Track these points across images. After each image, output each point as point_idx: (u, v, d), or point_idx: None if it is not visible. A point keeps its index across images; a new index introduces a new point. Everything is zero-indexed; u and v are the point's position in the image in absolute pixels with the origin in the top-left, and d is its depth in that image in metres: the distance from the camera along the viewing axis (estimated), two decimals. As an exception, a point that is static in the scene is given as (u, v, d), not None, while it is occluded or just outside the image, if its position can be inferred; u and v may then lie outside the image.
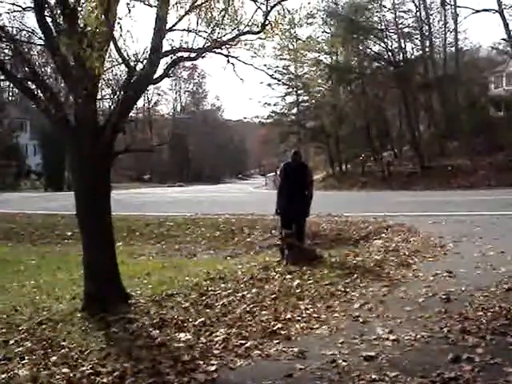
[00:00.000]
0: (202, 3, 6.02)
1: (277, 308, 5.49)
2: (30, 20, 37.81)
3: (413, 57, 36.76)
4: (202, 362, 4.11)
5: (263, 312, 5.37)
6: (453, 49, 37.20)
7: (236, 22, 6.37)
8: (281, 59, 32.95)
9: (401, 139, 38.16)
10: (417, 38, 36.82)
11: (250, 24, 6.46)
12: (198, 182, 65.26)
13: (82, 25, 5.31)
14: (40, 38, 6.10)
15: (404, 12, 36.65)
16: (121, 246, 10.26)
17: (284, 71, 39.03)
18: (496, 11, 31.51)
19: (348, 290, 6.21)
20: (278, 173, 11.04)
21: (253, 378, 3.80)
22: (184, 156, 75.28)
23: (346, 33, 34.08)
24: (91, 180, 5.78)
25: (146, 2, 5.77)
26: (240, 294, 6.13)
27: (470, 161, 29.76)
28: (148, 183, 61.84)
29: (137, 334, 4.90)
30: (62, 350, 4.52)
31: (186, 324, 5.06)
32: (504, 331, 4.38)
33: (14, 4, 6.22)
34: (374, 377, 3.65)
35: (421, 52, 36.97)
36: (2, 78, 6.30)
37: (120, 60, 5.72)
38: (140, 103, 65.22)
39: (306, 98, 41.85)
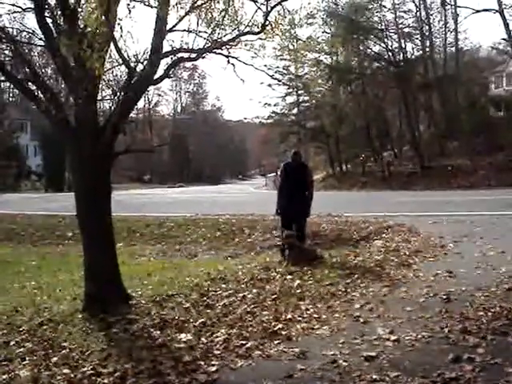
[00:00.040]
0: (203, 4, 6.03)
1: (277, 308, 5.49)
2: (31, 21, 37.77)
3: (413, 57, 36.77)
4: (202, 363, 4.11)
5: (264, 312, 5.37)
6: (453, 49, 37.23)
7: (236, 22, 6.38)
8: (281, 59, 33.01)
9: (401, 139, 38.16)
10: (417, 38, 36.86)
11: (250, 24, 6.47)
12: (198, 183, 65.30)
13: (82, 26, 5.31)
14: (40, 39, 6.10)
15: (404, 12, 36.72)
16: (121, 246, 10.27)
17: (284, 71, 39.03)
18: (496, 11, 31.55)
19: (348, 290, 6.22)
20: (279, 173, 11.04)
21: (254, 378, 3.81)
22: (184, 156, 75.31)
23: (346, 33, 34.09)
24: (91, 181, 5.78)
25: (147, 3, 5.77)
26: (241, 295, 6.13)
27: (470, 161, 29.76)
28: (148, 184, 61.89)
29: (138, 334, 4.90)
30: (63, 351, 4.52)
31: (186, 324, 5.07)
32: (505, 331, 4.38)
33: (14, 5, 6.24)
34: (374, 377, 3.65)
35: (421, 52, 36.98)
36: (3, 78, 6.30)
37: (120, 61, 5.72)
38: (140, 104, 65.31)
39: (306, 98, 41.87)
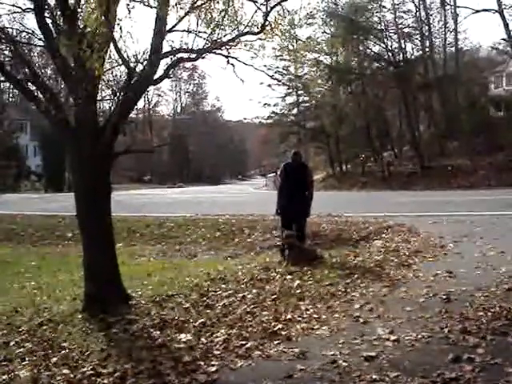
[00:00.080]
0: (202, 4, 6.03)
1: (277, 308, 5.49)
2: (30, 21, 37.84)
3: (413, 57, 36.76)
4: (202, 363, 4.12)
5: (264, 312, 5.37)
6: (453, 49, 37.20)
7: (236, 22, 6.38)
8: (281, 60, 33.01)
9: (401, 139, 38.16)
10: (417, 38, 36.86)
11: (249, 25, 6.47)
12: (198, 183, 65.30)
13: (81, 26, 5.32)
14: (40, 40, 6.11)
15: (404, 12, 36.71)
16: (121, 246, 10.27)
17: (284, 72, 39.03)
18: (496, 11, 31.56)
19: (348, 290, 6.21)
20: (279, 173, 11.03)
21: (253, 378, 3.81)
22: (184, 157, 75.29)
23: (346, 33, 34.10)
24: (91, 181, 5.78)
25: (146, 3, 5.77)
26: (240, 295, 6.13)
27: (470, 161, 29.76)
28: (148, 184, 61.86)
29: (137, 334, 4.91)
30: (63, 351, 4.52)
31: (186, 325, 5.07)
32: (504, 331, 4.38)
33: (13, 5, 6.25)
34: (374, 377, 3.65)
35: (421, 52, 36.97)
36: (2, 79, 6.30)
37: (120, 61, 5.72)
38: (140, 104, 65.45)
39: (306, 98, 41.87)
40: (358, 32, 34.89)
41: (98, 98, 6.05)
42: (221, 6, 6.20)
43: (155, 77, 5.97)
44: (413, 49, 37.32)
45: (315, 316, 5.23)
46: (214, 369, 4.00)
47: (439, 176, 29.10)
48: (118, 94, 5.92)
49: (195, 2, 5.93)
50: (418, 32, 36.42)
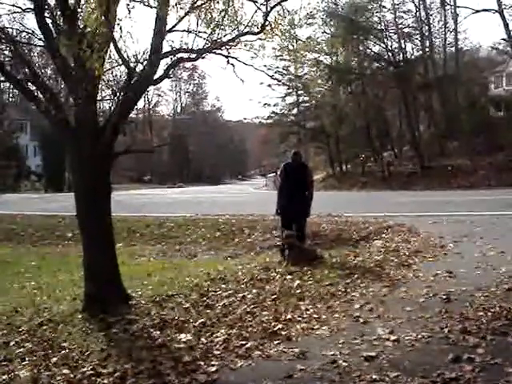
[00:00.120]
0: (202, 4, 6.03)
1: (277, 308, 5.49)
2: (30, 21, 37.84)
3: (413, 57, 36.76)
4: (202, 363, 4.12)
5: (264, 312, 5.37)
6: (453, 49, 37.20)
7: (236, 22, 6.38)
8: (281, 60, 33.01)
9: (401, 139, 38.16)
10: (417, 38, 36.86)
11: (249, 25, 6.47)
12: (198, 183, 65.30)
13: (81, 26, 5.32)
14: (40, 40, 6.11)
15: (404, 12, 36.71)
16: (121, 246, 10.27)
17: (284, 72, 39.03)
18: (496, 11, 31.56)
19: (348, 290, 6.21)
20: (278, 173, 11.04)
21: (253, 378, 3.81)
22: (184, 157, 75.30)
23: (346, 33, 34.10)
24: (91, 181, 5.79)
25: (146, 3, 5.78)
26: (240, 295, 6.13)
27: (470, 161, 29.76)
28: (148, 184, 61.86)
29: (137, 334, 4.91)
30: (63, 351, 4.52)
31: (186, 325, 5.07)
32: (504, 331, 4.38)
33: (13, 5, 6.25)
34: (374, 377, 3.65)
35: (421, 52, 36.97)
36: (2, 79, 6.30)
37: (120, 61, 5.72)
38: (140, 104, 65.45)
39: (306, 98, 41.88)
40: (358, 32, 34.90)
41: (98, 97, 6.05)
42: (221, 6, 6.20)
43: (155, 77, 5.97)
44: (413, 49, 37.42)
45: (315, 316, 5.23)
46: (213, 369, 4.00)
47: (439, 176, 29.10)
48: (117, 93, 5.92)
49: (195, 2, 5.93)
50: (417, 32, 36.43)
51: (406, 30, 36.36)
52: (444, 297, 5.55)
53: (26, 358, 4.43)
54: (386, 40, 36.07)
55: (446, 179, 28.11)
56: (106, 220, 5.91)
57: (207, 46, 6.34)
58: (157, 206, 21.45)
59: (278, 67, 36.86)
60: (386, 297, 5.83)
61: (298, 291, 6.20)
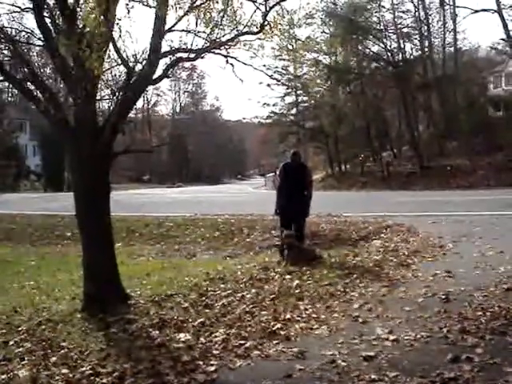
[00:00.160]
0: (201, 4, 6.03)
1: (276, 308, 5.49)
2: (29, 21, 37.79)
3: (412, 57, 36.72)
4: (201, 363, 4.12)
5: (263, 312, 5.38)
6: (452, 49, 37.17)
7: (235, 22, 6.38)
8: (280, 59, 33.10)
9: (400, 139, 38.14)
10: (416, 38, 36.81)
11: (248, 24, 6.48)
12: (197, 183, 65.25)
13: (81, 25, 5.32)
14: (39, 39, 6.11)
15: (403, 12, 36.66)
16: (120, 246, 10.26)
17: (283, 71, 39.04)
18: (495, 11, 31.52)
19: (347, 290, 6.22)
20: (278, 173, 11.04)
21: (252, 378, 3.81)
22: (183, 156, 75.27)
23: (345, 33, 34.05)
24: (90, 181, 5.79)
25: (145, 3, 5.78)
26: (239, 295, 6.14)
27: (469, 161, 29.75)
28: (147, 184, 61.81)
29: (136, 334, 4.91)
30: (62, 351, 4.52)
31: (185, 324, 5.07)
32: (503, 331, 4.39)
33: (13, 5, 6.26)
34: (373, 377, 3.66)
35: (420, 52, 36.94)
36: (2, 78, 6.29)
37: (119, 61, 5.73)
38: (139, 104, 65.35)
39: (305, 98, 41.84)
40: (357, 32, 34.84)
41: (98, 97, 6.05)
42: (220, 6, 6.21)
43: (154, 76, 5.97)
44: (412, 49, 37.36)
45: (314, 316, 5.23)
46: (212, 368, 4.00)
47: (438, 176, 29.08)
48: (117, 93, 5.93)
49: (194, 2, 5.94)
50: (417, 32, 36.40)
51: (405, 30, 36.33)
52: (443, 297, 5.55)
53: (25, 358, 4.43)
54: (385, 40, 36.05)
55: (445, 179, 28.10)
56: (105, 220, 5.91)
57: (206, 45, 6.35)
58: (156, 206, 21.44)
59: (277, 67, 36.94)
60: (385, 297, 5.83)
61: (297, 291, 6.20)
